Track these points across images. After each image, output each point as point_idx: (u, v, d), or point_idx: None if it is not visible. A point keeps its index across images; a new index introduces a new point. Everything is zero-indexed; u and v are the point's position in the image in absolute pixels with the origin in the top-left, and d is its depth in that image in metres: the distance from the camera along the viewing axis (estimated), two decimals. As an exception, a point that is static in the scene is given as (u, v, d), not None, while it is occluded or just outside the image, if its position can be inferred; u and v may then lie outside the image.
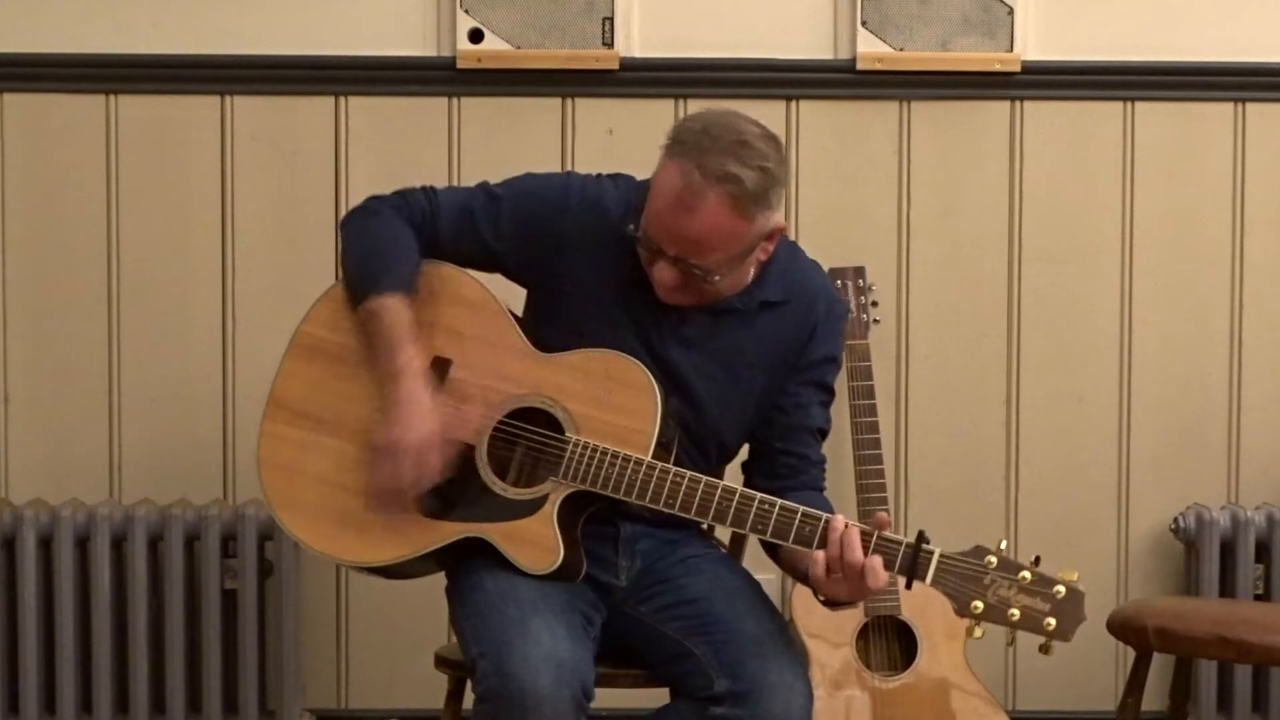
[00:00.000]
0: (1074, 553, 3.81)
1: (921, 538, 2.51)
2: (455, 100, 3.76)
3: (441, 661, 2.91)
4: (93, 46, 3.72)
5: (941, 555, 2.49)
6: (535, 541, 2.64)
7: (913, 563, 2.49)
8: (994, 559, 2.47)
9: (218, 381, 3.77)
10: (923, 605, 3.53)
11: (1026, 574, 2.47)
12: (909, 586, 2.51)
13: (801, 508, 2.57)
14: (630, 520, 2.79)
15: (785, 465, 2.77)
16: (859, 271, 3.72)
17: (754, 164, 2.57)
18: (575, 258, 2.74)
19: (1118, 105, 3.79)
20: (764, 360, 2.77)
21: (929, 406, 3.81)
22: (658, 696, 2.73)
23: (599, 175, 2.82)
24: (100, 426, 3.77)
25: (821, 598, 2.62)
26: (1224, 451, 3.83)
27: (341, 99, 3.76)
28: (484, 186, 2.82)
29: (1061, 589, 2.46)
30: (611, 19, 3.70)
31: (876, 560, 2.49)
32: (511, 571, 2.64)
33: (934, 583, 2.49)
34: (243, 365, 3.73)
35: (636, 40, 3.74)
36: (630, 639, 2.74)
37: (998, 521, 3.80)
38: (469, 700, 2.91)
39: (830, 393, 2.84)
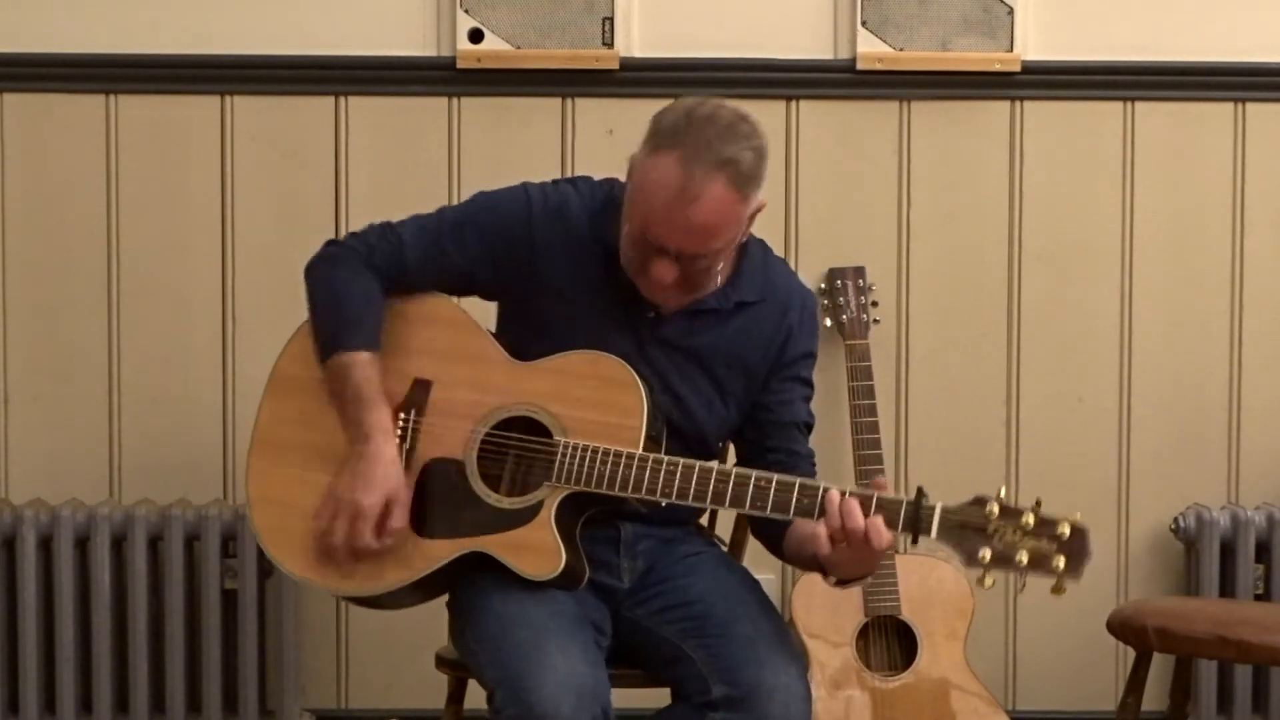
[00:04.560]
0: (1074, 553, 3.81)
1: (921, 493, 2.51)
2: (455, 100, 3.76)
3: (442, 662, 2.91)
4: (93, 46, 3.72)
5: (943, 508, 2.49)
6: (536, 548, 2.62)
7: (915, 518, 2.50)
8: (995, 507, 2.48)
9: (218, 381, 3.77)
10: (923, 605, 3.53)
11: (1029, 518, 2.47)
12: (915, 542, 2.52)
13: (798, 479, 2.56)
14: (630, 521, 2.79)
15: (776, 463, 2.75)
16: (859, 271, 3.72)
17: (747, 143, 2.55)
18: (548, 266, 2.73)
19: (1118, 105, 3.79)
20: (742, 359, 2.77)
21: (929, 406, 3.81)
22: (659, 696, 2.74)
23: (556, 181, 2.81)
24: (100, 426, 3.77)
25: (832, 580, 2.63)
26: (1224, 451, 3.83)
27: (341, 99, 3.76)
28: (443, 211, 2.82)
29: (1066, 529, 2.46)
30: (611, 19, 3.70)
31: (878, 520, 2.49)
32: (518, 589, 2.62)
33: (939, 536, 2.49)
34: (243, 365, 3.73)
35: (636, 40, 3.74)
36: (630, 641, 2.74)
37: (998, 521, 3.80)
38: (470, 701, 2.92)
39: (811, 386, 2.85)
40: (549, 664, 2.49)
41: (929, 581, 3.56)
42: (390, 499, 2.65)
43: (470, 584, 2.69)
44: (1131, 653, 3.36)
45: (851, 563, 2.55)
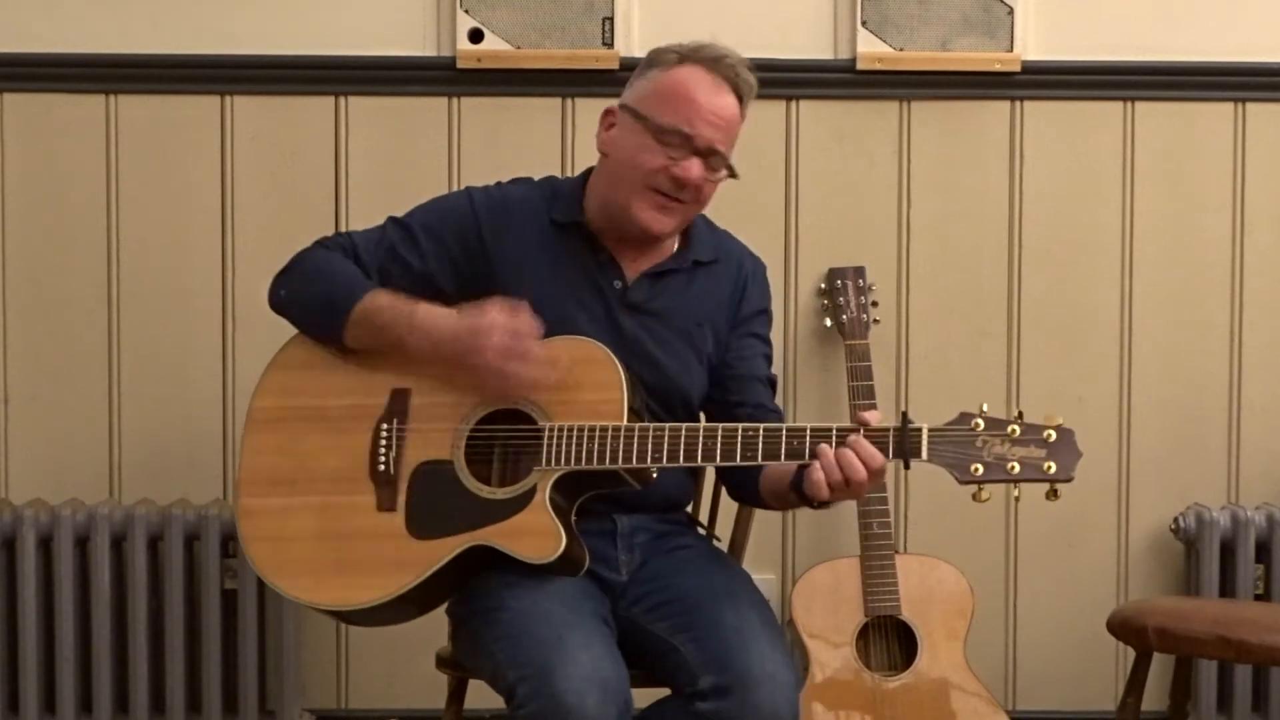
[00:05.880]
0: (1074, 553, 3.81)
1: (906, 418, 2.55)
2: (455, 100, 3.76)
3: (442, 662, 2.91)
4: (93, 46, 3.72)
5: (931, 428, 2.53)
6: (535, 532, 2.64)
7: (903, 443, 2.53)
8: (980, 421, 2.52)
9: (218, 381, 3.77)
10: (923, 605, 3.53)
11: (1015, 427, 2.51)
12: (907, 467, 2.55)
13: (784, 425, 2.62)
14: (626, 513, 2.82)
15: (745, 418, 2.79)
16: (859, 271, 3.72)
17: (749, 72, 2.81)
18: (503, 259, 2.80)
19: (1118, 105, 3.79)
20: (706, 317, 2.87)
21: (929, 406, 3.78)
22: (658, 696, 2.74)
23: (496, 183, 2.91)
24: (100, 426, 3.77)
25: (817, 504, 2.65)
26: (1224, 451, 3.83)
27: (341, 99, 3.76)
28: (393, 220, 2.88)
29: (1051, 432, 2.50)
30: (611, 19, 3.70)
31: (871, 447, 2.54)
32: (529, 587, 2.64)
33: (930, 457, 2.52)
34: (243, 365, 3.73)
35: (636, 40, 3.74)
36: (625, 639, 2.74)
37: (998, 521, 3.80)
38: (470, 701, 2.92)
39: (769, 344, 2.94)
40: (573, 658, 2.51)
41: (929, 581, 3.56)
42: (499, 309, 2.67)
43: (477, 588, 2.70)
44: (1131, 653, 3.36)
45: (848, 492, 2.58)
